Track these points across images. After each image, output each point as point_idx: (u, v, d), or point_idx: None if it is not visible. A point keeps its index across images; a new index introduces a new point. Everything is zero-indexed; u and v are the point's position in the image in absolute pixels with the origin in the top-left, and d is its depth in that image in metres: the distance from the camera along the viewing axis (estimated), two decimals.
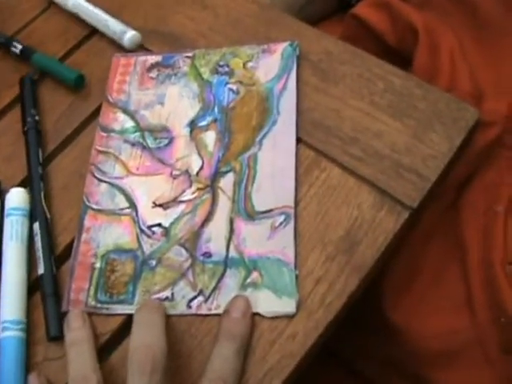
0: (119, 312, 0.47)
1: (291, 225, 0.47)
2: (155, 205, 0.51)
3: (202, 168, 0.52)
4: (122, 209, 0.51)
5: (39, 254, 0.50)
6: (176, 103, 0.56)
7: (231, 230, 0.48)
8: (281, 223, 0.47)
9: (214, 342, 0.43)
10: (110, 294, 0.48)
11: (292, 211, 0.48)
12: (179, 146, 0.53)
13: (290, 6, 0.74)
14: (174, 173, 0.52)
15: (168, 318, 0.45)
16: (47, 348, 0.47)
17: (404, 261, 0.53)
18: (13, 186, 0.54)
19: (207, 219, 0.49)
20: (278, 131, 0.52)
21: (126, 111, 0.56)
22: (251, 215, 0.48)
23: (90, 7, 0.63)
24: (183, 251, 0.48)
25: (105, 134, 0.55)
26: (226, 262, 0.47)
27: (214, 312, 0.45)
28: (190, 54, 0.58)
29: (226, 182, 0.50)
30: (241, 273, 0.46)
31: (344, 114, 0.52)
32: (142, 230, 0.50)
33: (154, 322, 0.43)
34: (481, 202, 0.54)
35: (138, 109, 0.56)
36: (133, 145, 0.54)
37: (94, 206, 0.52)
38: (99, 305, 0.47)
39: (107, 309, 0.47)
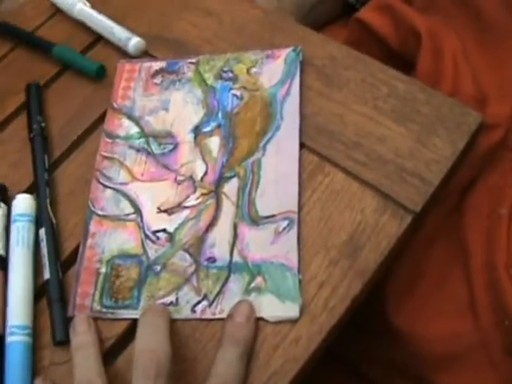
0: (124, 317, 0.47)
1: (294, 229, 0.47)
2: (160, 210, 0.51)
3: (206, 173, 0.52)
4: (127, 214, 0.52)
5: (45, 259, 0.50)
6: (180, 109, 0.56)
7: (235, 235, 0.48)
8: (284, 228, 0.48)
9: (218, 346, 0.44)
10: (115, 298, 0.48)
11: (295, 216, 0.48)
12: (183, 152, 0.54)
13: (298, 8, 0.74)
14: (179, 178, 0.52)
15: (172, 322, 0.45)
16: (53, 352, 0.47)
17: (407, 265, 0.53)
18: (19, 192, 0.54)
19: (211, 224, 0.49)
20: (281, 136, 0.52)
21: (130, 117, 0.57)
22: (255, 220, 0.49)
23: (95, 14, 0.63)
24: (187, 256, 0.48)
25: (110, 140, 0.56)
26: (230, 267, 0.47)
27: (218, 316, 0.46)
28: (194, 60, 0.59)
29: (230, 188, 0.51)
30: (244, 278, 0.47)
31: (347, 119, 0.52)
32: (146, 236, 0.50)
33: (158, 326, 0.43)
34: (484, 204, 0.54)
35: (143, 115, 0.57)
36: (137, 151, 0.55)
37: (100, 212, 0.52)
38: (104, 310, 0.48)
39: (112, 313, 0.47)
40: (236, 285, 0.46)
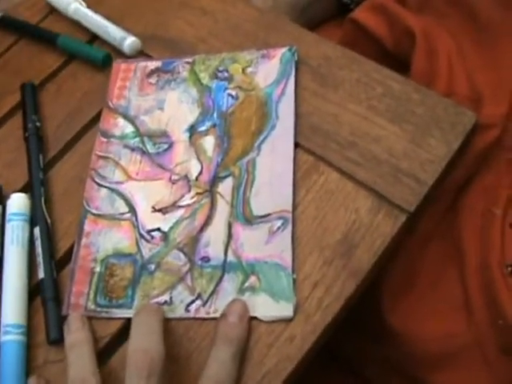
0: (118, 316, 0.47)
1: (289, 229, 0.47)
2: (154, 209, 0.51)
3: (201, 173, 0.52)
4: (122, 213, 0.52)
5: (40, 258, 0.50)
6: (175, 108, 0.56)
7: (229, 235, 0.48)
8: (279, 227, 0.48)
9: (212, 345, 0.44)
10: (109, 298, 0.48)
11: (290, 215, 0.48)
12: (178, 151, 0.54)
13: (292, 8, 0.74)
14: (173, 178, 0.52)
15: (166, 321, 0.45)
16: (48, 351, 0.47)
17: (402, 264, 0.53)
18: (14, 192, 0.54)
19: (206, 224, 0.49)
20: (276, 136, 0.52)
21: (126, 117, 0.57)
22: (249, 220, 0.49)
23: (91, 14, 0.63)
24: (182, 255, 0.48)
25: (105, 140, 0.56)
26: (224, 267, 0.47)
27: (212, 316, 0.46)
28: (189, 60, 0.59)
29: (225, 187, 0.51)
30: (239, 277, 0.47)
31: (342, 119, 0.52)
32: (141, 235, 0.50)
33: (152, 326, 0.43)
34: (479, 204, 0.54)
35: (138, 114, 0.57)
36: (132, 150, 0.55)
37: (94, 211, 0.52)
38: (99, 309, 0.48)
39: (107, 312, 0.48)
40: (230, 284, 0.46)
